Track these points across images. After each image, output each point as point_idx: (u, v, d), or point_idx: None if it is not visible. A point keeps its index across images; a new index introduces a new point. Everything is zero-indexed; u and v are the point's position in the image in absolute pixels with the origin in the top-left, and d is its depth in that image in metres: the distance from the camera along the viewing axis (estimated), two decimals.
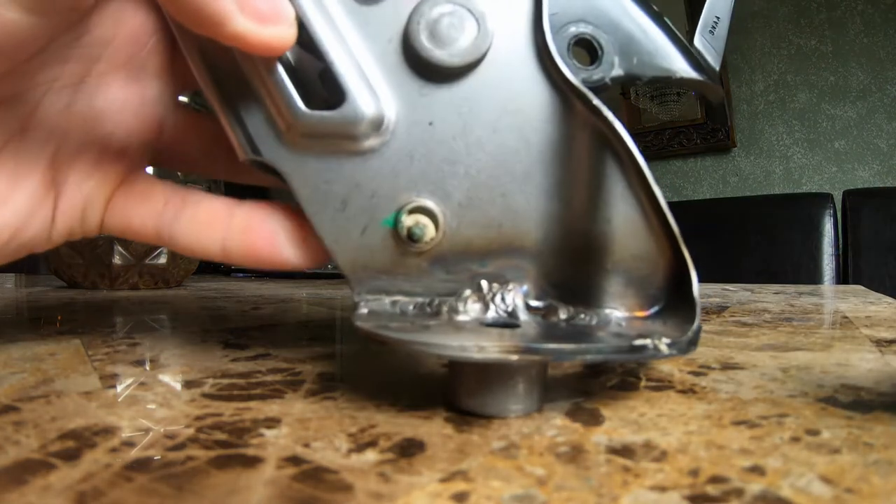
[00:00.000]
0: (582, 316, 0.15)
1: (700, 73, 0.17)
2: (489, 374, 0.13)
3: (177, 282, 0.59)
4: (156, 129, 0.18)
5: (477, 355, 0.12)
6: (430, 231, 0.15)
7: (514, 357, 0.12)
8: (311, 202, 0.16)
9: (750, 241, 1.42)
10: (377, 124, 0.15)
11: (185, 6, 0.13)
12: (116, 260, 0.53)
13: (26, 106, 0.16)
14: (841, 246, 1.39)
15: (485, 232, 0.16)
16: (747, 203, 1.50)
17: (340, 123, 0.15)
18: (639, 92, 1.77)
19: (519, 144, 0.15)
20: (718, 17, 0.18)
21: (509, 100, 0.15)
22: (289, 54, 0.16)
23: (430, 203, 0.15)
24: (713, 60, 0.17)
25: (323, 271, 0.84)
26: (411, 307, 0.16)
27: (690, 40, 0.17)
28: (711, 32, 0.17)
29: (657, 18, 0.17)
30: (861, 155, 1.61)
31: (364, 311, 0.15)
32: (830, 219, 1.38)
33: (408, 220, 0.15)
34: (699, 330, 0.14)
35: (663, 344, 0.13)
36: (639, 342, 0.13)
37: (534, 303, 0.16)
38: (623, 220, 0.15)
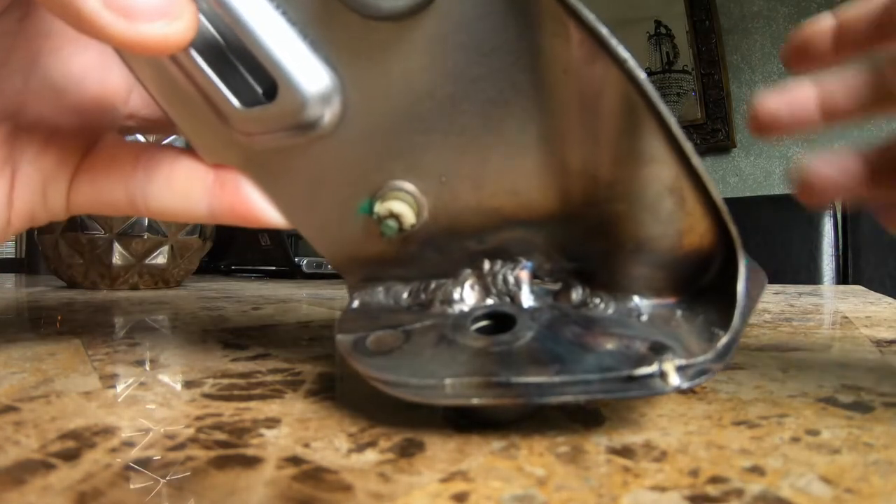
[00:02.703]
0: (597, 301, 0.14)
1: None
2: None
3: (177, 282, 0.59)
4: (123, 94, 0.17)
5: (440, 400, 0.11)
6: (407, 219, 0.13)
7: (475, 401, 0.11)
8: (280, 198, 0.14)
9: (750, 241, 1.41)
10: (324, 101, 0.13)
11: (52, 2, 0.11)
12: (116, 260, 0.53)
13: None
14: (841, 246, 1.39)
15: (478, 205, 0.13)
16: (747, 203, 1.50)
17: (281, 115, 0.13)
18: None
19: (506, 93, 0.12)
20: None
21: (482, 39, 0.12)
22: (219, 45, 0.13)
23: (405, 184, 0.13)
24: None
25: (323, 271, 0.84)
26: (405, 294, 0.15)
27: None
28: None
29: None
30: None
31: (356, 303, 0.14)
32: (830, 219, 1.38)
33: (380, 210, 0.13)
34: (732, 343, 0.12)
35: (672, 368, 0.11)
36: (640, 371, 0.11)
37: (546, 278, 0.14)
38: (646, 186, 0.12)
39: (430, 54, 0.12)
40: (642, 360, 0.11)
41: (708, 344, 0.12)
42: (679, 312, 0.13)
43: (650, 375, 0.11)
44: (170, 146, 0.16)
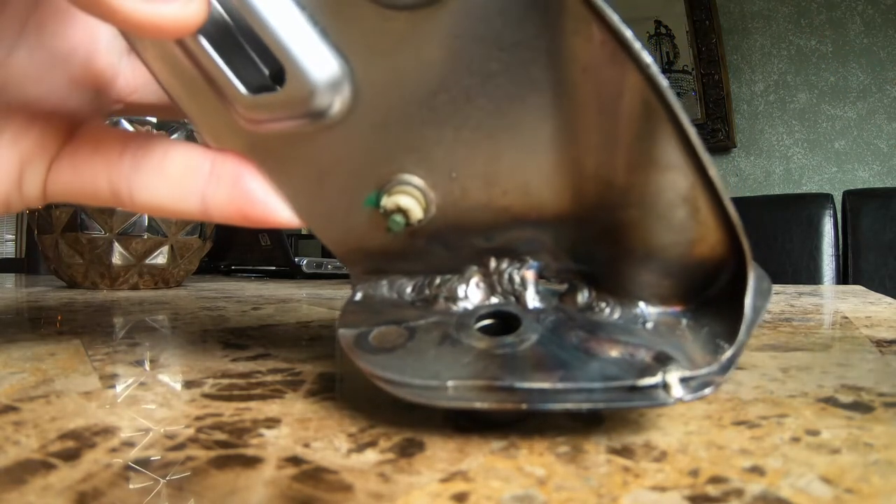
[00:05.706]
0: (603, 305, 0.14)
1: None
2: None
3: (177, 282, 0.59)
4: (110, 75, 0.16)
5: (442, 403, 0.11)
6: (414, 214, 0.13)
7: (477, 405, 0.11)
8: (285, 186, 0.14)
9: (750, 242, 1.42)
10: (333, 90, 0.12)
11: None
12: (116, 260, 0.53)
13: None
14: (841, 246, 1.39)
15: (487, 203, 0.13)
16: (747, 203, 1.50)
17: (289, 102, 0.13)
18: None
19: (523, 90, 0.12)
20: None
21: (501, 34, 0.11)
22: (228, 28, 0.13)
23: (413, 179, 0.13)
24: None
25: (323, 271, 0.84)
26: (409, 288, 0.15)
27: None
28: None
29: None
30: (861, 155, 1.61)
31: (359, 295, 0.14)
32: (830, 219, 1.38)
33: (387, 204, 0.13)
34: (736, 355, 0.12)
35: (676, 380, 0.11)
36: (644, 381, 0.11)
37: (552, 279, 0.14)
38: (660, 194, 0.12)
39: (446, 47, 0.12)
40: (646, 370, 0.11)
41: (712, 356, 0.12)
42: (684, 321, 0.13)
43: (653, 386, 0.11)
44: (161, 135, 0.15)
